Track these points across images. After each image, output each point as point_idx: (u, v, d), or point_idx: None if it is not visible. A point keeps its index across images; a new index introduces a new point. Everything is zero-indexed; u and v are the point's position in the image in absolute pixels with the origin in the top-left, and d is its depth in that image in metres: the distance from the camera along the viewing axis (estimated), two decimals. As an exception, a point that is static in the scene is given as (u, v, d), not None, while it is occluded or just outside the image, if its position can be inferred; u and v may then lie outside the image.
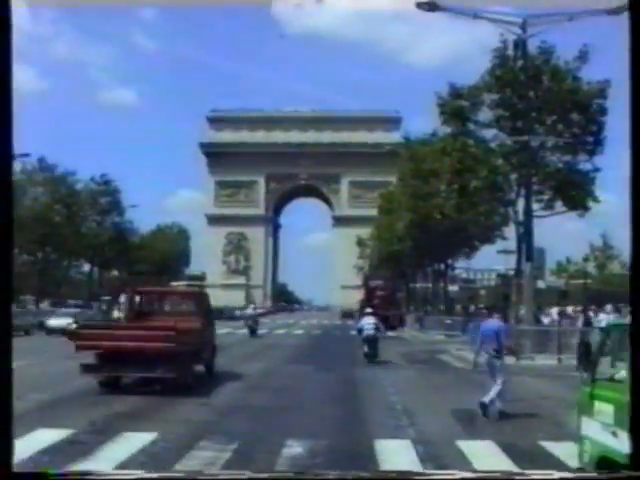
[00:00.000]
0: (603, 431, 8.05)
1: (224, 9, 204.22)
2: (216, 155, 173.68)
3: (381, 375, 24.75)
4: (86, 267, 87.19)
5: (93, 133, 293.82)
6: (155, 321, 21.19)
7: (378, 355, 29.75)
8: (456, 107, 34.47)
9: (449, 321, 51.62)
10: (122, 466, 10.33)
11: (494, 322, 16.96)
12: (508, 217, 43.84)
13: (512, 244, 41.18)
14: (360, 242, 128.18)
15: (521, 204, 33.96)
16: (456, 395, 19.74)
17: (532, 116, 32.91)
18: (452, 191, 36.59)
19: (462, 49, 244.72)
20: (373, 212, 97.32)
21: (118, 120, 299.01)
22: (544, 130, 33.42)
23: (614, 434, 7.65)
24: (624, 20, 3.61)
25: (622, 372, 7.96)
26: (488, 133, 34.82)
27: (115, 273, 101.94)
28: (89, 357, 19.31)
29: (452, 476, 3.83)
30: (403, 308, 74.23)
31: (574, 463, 9.47)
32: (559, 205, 34.69)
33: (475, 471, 9.55)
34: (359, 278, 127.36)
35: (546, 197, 34.37)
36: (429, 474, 4.17)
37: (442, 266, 64.13)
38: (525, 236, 32.51)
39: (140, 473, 5.62)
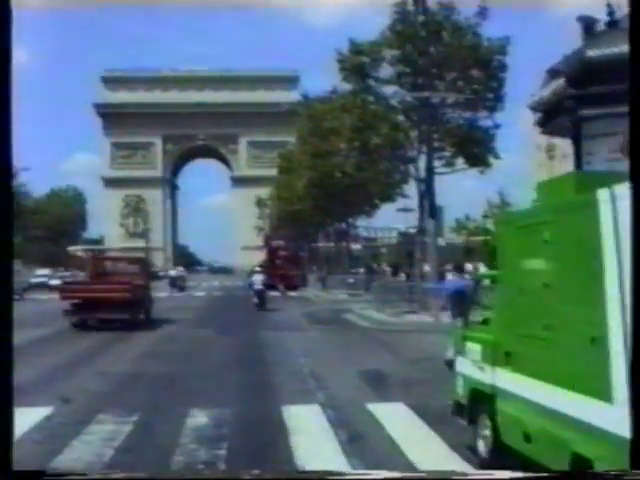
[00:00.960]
0: (473, 367, 9.03)
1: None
2: (111, 116, 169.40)
3: (286, 337, 24.28)
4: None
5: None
6: (113, 279, 29.25)
7: (265, 304, 36.96)
8: (356, 63, 33.87)
9: (352, 280, 51.46)
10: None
11: (456, 280, 17.20)
12: (408, 175, 43.80)
13: (412, 202, 41.24)
14: (260, 202, 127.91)
15: (422, 161, 33.80)
16: (363, 356, 19.47)
17: (433, 72, 32.58)
18: (352, 149, 36.19)
19: (360, 8, 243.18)
20: (272, 172, 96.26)
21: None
22: (445, 86, 33.12)
23: (481, 369, 8.68)
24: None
25: (488, 316, 9.21)
26: (388, 90, 34.36)
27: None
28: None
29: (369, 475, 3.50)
30: (306, 268, 74.04)
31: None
32: (459, 162, 34.64)
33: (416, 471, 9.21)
34: (260, 239, 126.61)
35: (447, 154, 34.25)
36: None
37: (344, 225, 63.98)
38: (427, 194, 32.33)
39: (140, 474, 5.57)
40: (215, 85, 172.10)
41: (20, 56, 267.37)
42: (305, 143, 54.50)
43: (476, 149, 33.52)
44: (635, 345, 4.20)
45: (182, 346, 22.46)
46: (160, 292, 51.23)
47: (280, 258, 63.82)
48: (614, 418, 5.54)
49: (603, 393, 5.78)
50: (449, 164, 34.39)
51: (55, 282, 51.24)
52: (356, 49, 34.00)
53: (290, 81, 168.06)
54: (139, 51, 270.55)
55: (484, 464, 8.50)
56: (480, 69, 33.06)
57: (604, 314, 5.71)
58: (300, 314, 34.41)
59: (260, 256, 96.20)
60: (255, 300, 36.71)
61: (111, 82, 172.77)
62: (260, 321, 30.80)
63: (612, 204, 5.62)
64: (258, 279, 37.57)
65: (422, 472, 7.83)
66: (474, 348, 9.01)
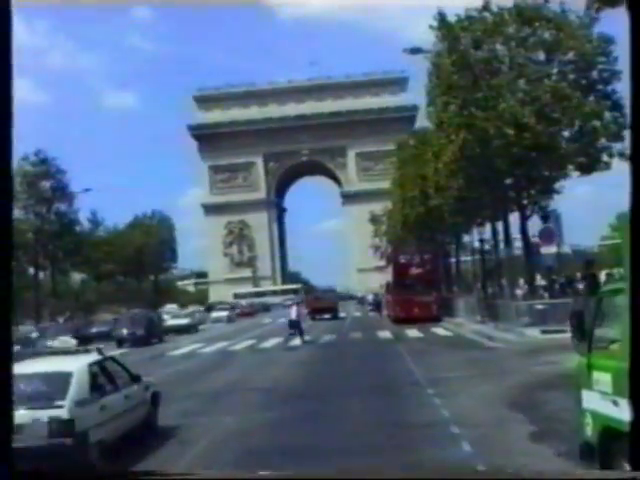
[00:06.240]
0: (603, 401, 7.95)
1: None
2: (207, 137, 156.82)
3: None
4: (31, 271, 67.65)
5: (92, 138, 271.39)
6: (322, 299, 66.28)
7: (381, 310, 60.84)
8: None
9: (541, 307, 30.84)
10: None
11: None
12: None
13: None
14: (374, 219, 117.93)
15: None
16: None
17: None
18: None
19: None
20: (385, 185, 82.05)
21: (119, 125, 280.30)
22: None
23: (615, 403, 7.55)
24: None
25: (619, 339, 7.61)
26: None
27: (76, 276, 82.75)
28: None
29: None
30: (443, 290, 55.00)
31: None
32: None
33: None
34: (376, 259, 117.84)
35: None
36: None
37: (513, 219, 40.05)
38: None
39: (142, 473, 5.85)
40: (316, 94, 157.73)
41: (128, 99, 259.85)
42: (446, 84, 32.79)
43: None
44: (635, 345, 3.46)
45: None
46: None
47: (412, 278, 47.98)
48: None
49: None
50: None
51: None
52: None
53: (398, 83, 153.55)
54: (230, 67, 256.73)
55: None
56: None
57: None
58: (497, 398, 14.98)
59: (378, 278, 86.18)
60: (369, 307, 72.79)
61: (204, 101, 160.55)
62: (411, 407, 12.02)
63: None
64: (370, 297, 76.43)
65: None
66: (603, 378, 7.95)
